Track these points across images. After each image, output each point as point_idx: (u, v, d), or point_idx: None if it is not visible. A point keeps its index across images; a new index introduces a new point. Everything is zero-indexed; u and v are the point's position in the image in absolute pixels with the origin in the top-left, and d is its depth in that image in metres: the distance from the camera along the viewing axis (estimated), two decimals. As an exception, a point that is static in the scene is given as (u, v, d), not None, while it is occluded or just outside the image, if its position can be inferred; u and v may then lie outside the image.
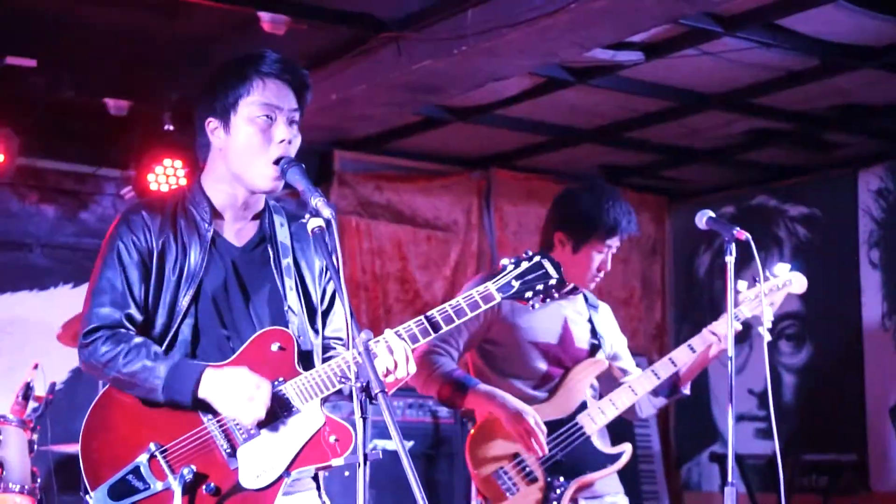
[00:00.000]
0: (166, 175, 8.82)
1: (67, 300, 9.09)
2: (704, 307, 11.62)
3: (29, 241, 9.41)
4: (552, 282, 3.90)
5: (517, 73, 8.12)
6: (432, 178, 10.95)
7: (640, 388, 5.33)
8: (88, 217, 9.63)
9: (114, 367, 3.73)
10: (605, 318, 5.64)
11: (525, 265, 3.91)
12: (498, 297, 3.87)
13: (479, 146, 10.64)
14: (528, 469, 5.22)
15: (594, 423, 5.29)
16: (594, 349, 5.48)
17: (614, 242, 5.35)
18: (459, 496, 8.73)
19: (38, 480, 6.56)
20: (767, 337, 4.97)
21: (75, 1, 7.44)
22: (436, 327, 3.83)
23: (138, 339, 3.76)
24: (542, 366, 5.35)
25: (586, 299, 5.57)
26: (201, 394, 3.69)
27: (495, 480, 5.22)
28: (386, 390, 3.27)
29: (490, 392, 5.23)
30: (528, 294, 3.89)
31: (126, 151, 9.06)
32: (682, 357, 5.30)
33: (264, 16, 7.17)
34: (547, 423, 5.20)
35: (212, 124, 3.88)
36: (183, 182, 8.63)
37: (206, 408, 3.72)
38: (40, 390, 6.66)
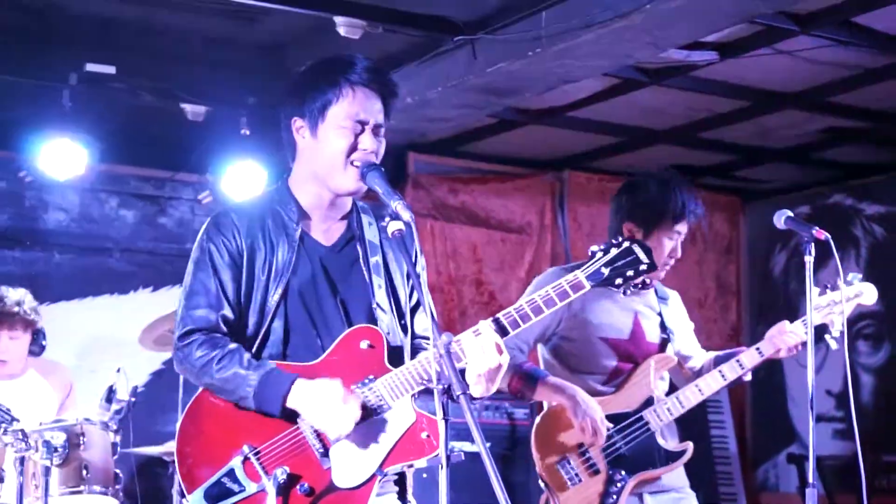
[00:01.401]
0: (244, 179, 8.88)
1: (147, 304, 9.17)
2: (780, 307, 11.51)
3: (109, 245, 9.51)
4: (643, 267, 3.88)
5: (591, 74, 8.10)
6: (506, 179, 10.95)
7: (707, 389, 5.35)
8: (167, 222, 9.73)
9: (207, 372, 3.78)
10: (675, 307, 5.64)
11: (614, 251, 3.87)
12: (588, 285, 3.84)
13: (553, 148, 10.64)
14: (592, 461, 5.24)
15: (659, 419, 5.30)
16: (664, 343, 5.50)
17: (683, 227, 5.34)
18: (536, 497, 8.72)
19: (121, 482, 6.66)
20: (835, 346, 5.01)
21: (153, 7, 7.54)
22: (524, 318, 3.79)
23: (232, 346, 3.80)
24: (612, 361, 5.36)
25: (656, 292, 5.58)
26: (290, 404, 3.72)
27: (559, 470, 5.25)
28: (468, 392, 3.28)
29: (559, 384, 5.25)
30: (619, 280, 3.87)
31: (204, 156, 9.13)
32: (751, 360, 5.35)
33: (340, 20, 7.22)
34: (611, 416, 5.23)
35: (297, 123, 3.91)
36: (260, 186, 8.70)
37: (296, 415, 3.75)
38: (123, 394, 6.75)
